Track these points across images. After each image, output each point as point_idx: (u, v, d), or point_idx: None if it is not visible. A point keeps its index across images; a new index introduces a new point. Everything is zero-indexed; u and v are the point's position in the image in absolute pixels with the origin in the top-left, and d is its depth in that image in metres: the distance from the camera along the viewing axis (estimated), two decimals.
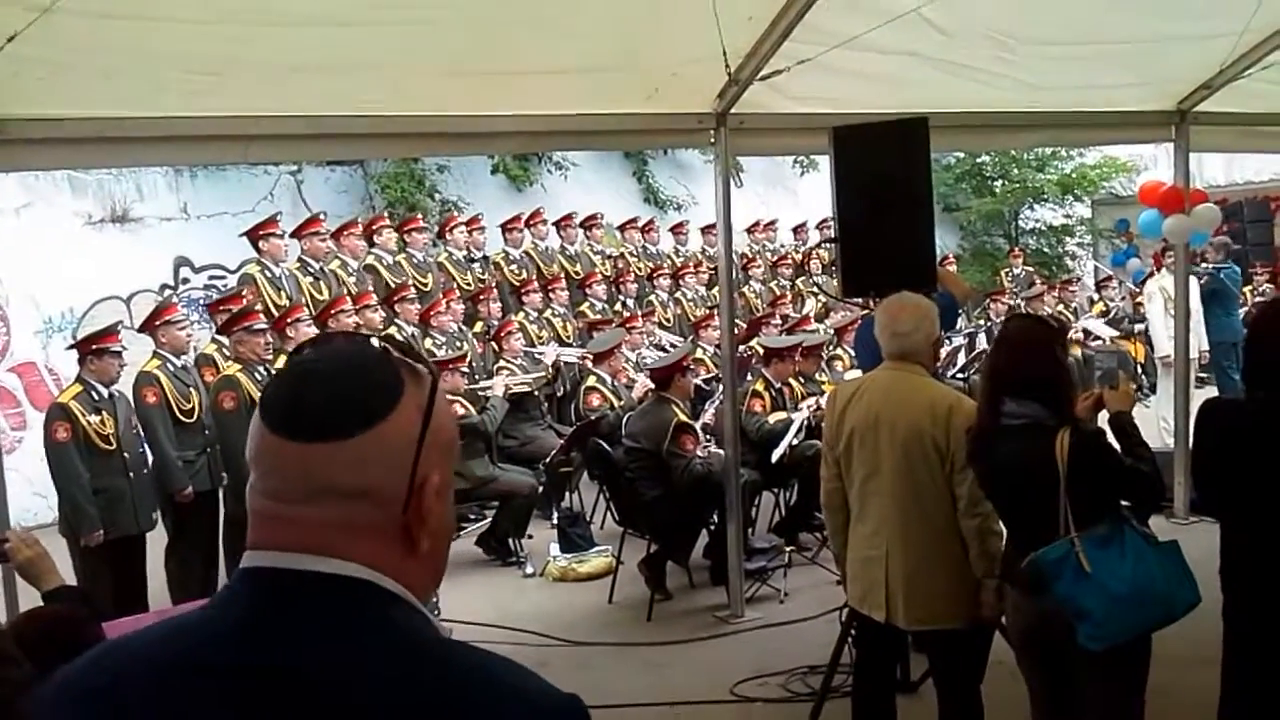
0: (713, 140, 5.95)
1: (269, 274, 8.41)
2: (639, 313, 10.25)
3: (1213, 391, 9.84)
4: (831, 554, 6.51)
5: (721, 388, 6.97)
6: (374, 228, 9.72)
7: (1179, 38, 5.93)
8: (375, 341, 1.14)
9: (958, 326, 10.50)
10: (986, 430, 3.17)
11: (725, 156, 5.98)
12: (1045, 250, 17.09)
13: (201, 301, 9.72)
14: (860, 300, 6.79)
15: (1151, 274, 10.61)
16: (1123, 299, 13.41)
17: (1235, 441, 2.96)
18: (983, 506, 3.48)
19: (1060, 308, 12.45)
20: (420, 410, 1.09)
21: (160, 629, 1.11)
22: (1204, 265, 9.91)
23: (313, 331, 7.77)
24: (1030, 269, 15.06)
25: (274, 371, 5.58)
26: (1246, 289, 12.22)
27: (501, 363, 8.59)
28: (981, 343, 10.76)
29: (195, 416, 6.35)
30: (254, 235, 8.55)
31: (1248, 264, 13.23)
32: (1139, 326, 12.07)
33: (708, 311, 10.37)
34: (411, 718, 1.00)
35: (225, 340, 7.04)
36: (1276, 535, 2.83)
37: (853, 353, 8.11)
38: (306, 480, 1.05)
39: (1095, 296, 13.99)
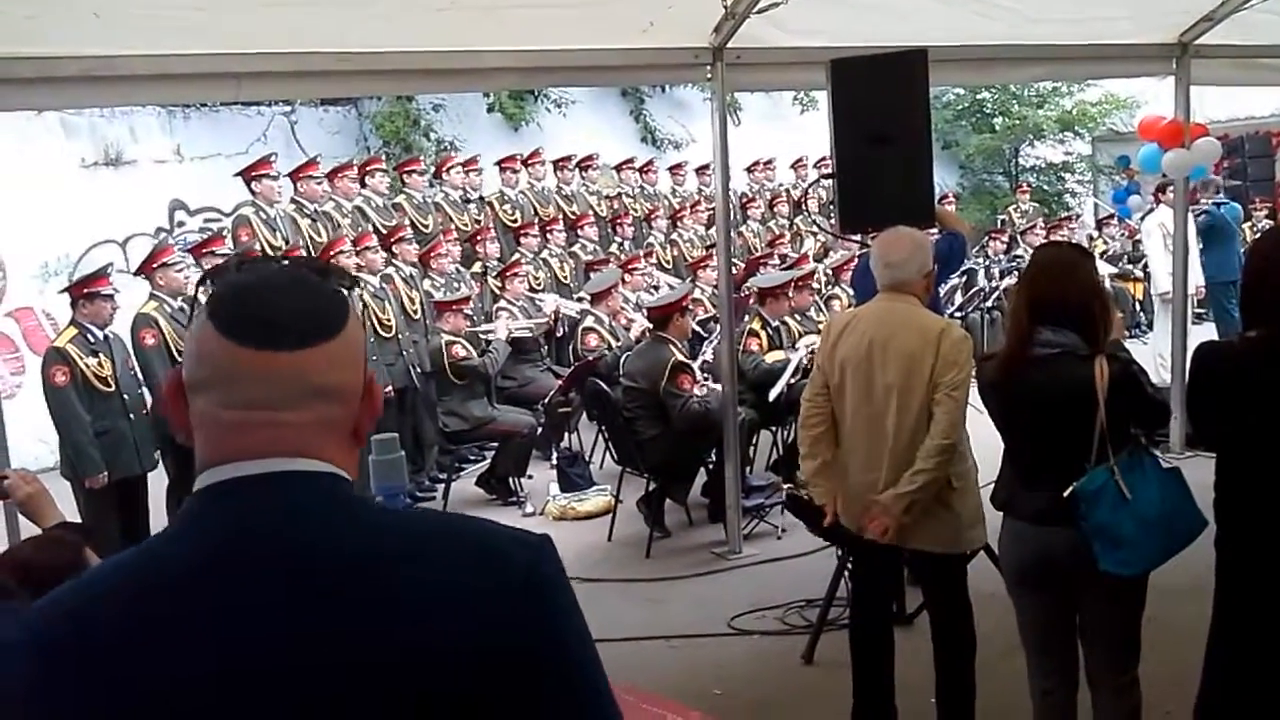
0: (709, 76, 5.88)
1: (263, 215, 8.37)
2: (635, 253, 10.21)
3: (1210, 328, 9.85)
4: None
5: (719, 327, 6.98)
6: (368, 169, 9.66)
7: None
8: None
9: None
10: (1017, 358, 3.12)
11: (722, 92, 5.92)
12: (1045, 188, 16.97)
13: (190, 244, 9.68)
14: (859, 238, 6.77)
15: (1151, 210, 10.57)
16: (1124, 236, 13.37)
17: (1230, 382, 2.96)
18: (956, 432, 3.53)
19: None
20: (357, 317, 1.20)
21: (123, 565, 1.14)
22: (1201, 202, 9.84)
23: None
24: (1036, 204, 14.99)
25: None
26: (1246, 225, 12.16)
27: (502, 304, 8.57)
28: (981, 280, 10.74)
29: None
30: (247, 176, 8.50)
31: (1248, 200, 13.16)
32: (1136, 267, 12.05)
33: (705, 252, 10.34)
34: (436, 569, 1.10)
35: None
36: (1270, 469, 2.85)
37: (851, 291, 8.09)
38: (299, 384, 1.13)
39: (1095, 234, 13.93)
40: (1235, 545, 3.02)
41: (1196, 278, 8.88)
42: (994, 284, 10.80)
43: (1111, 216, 13.93)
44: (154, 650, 1.04)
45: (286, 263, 1.26)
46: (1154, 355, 8.87)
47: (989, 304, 10.46)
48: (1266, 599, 2.93)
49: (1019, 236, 12.49)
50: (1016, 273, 11.29)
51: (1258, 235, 12.93)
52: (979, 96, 16.57)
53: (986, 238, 12.49)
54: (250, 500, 1.11)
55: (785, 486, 6.54)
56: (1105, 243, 13.39)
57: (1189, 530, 3.10)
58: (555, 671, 1.11)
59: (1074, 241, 8.38)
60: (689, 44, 5.78)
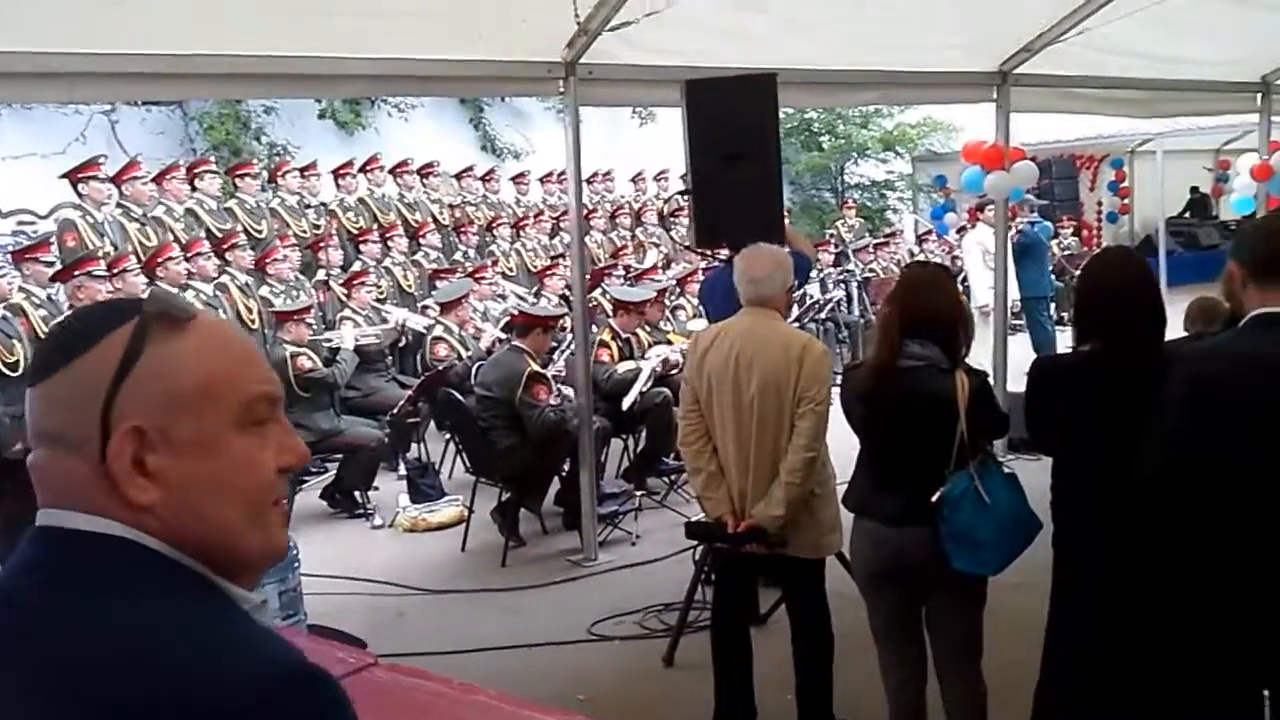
0: (562, 90, 5.95)
1: (90, 219, 7.96)
2: (483, 263, 10.17)
3: (1025, 339, 10.52)
4: (680, 497, 6.88)
5: (571, 337, 7.04)
6: (196, 171, 9.31)
7: (1003, 2, 6.27)
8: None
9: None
10: (886, 369, 3.31)
11: (575, 107, 5.99)
12: (869, 204, 17.78)
13: (8, 248, 9.11)
14: (703, 251, 6.95)
15: (965, 227, 11.23)
16: (943, 252, 14.12)
17: (1066, 392, 3.22)
18: (819, 444, 3.70)
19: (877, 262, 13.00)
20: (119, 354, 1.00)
21: None
22: (1016, 221, 10.53)
23: (141, 281, 7.44)
24: (862, 219, 15.69)
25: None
26: (1053, 242, 13.06)
27: (347, 313, 8.40)
28: (815, 292, 11.15)
29: (21, 370, 6.01)
30: (74, 178, 8.08)
31: (1055, 219, 14.14)
32: (955, 282, 12.73)
33: (550, 261, 10.39)
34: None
35: (35, 289, 6.69)
36: (1102, 474, 3.11)
37: (695, 302, 8.30)
38: (33, 425, 1.03)
39: (915, 250, 14.67)
40: (1070, 543, 3.29)
41: (1012, 292, 9.47)
42: (827, 296, 11.26)
43: (930, 232, 14.70)
44: None
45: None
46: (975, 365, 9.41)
47: (823, 316, 10.88)
48: (1099, 593, 3.20)
49: (849, 252, 13.02)
50: (844, 286, 11.82)
51: (1066, 252, 13.99)
52: (806, 116, 17.22)
53: (816, 251, 13.00)
54: (20, 554, 1.01)
55: (639, 494, 6.69)
56: (926, 257, 14.12)
57: (1031, 531, 3.36)
58: None
59: (938, 262, 8.88)
60: (542, 58, 5.82)
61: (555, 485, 6.85)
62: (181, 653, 0.92)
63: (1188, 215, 18.88)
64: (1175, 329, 3.59)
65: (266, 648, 0.96)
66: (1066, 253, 14.00)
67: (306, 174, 10.35)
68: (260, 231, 9.28)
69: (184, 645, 0.93)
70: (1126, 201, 17.40)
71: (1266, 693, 2.82)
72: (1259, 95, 8.60)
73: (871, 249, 13.05)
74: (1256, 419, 2.72)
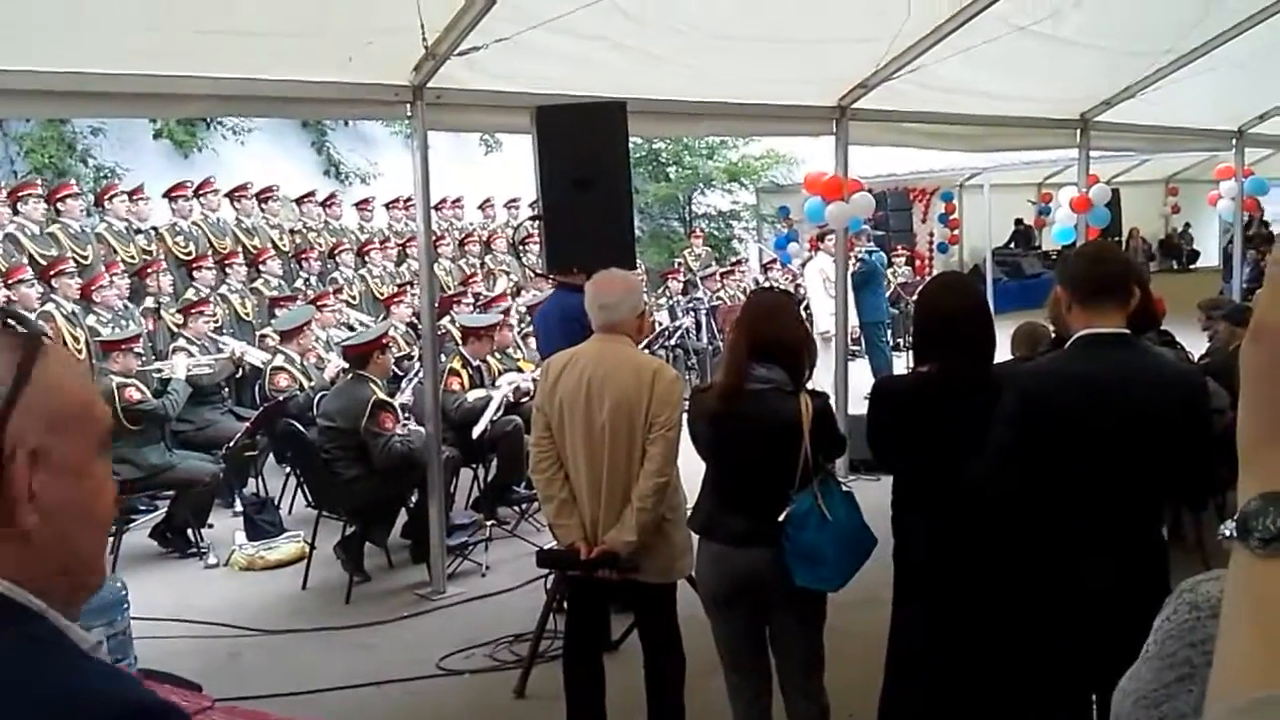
0: (409, 115, 5.86)
1: None
2: (325, 290, 9.91)
3: (864, 363, 10.87)
4: (532, 525, 6.81)
5: (419, 365, 6.90)
6: (19, 195, 8.79)
7: (842, 40, 6.50)
8: None
9: None
10: (734, 391, 3.35)
11: (423, 131, 5.91)
12: (716, 234, 18.14)
13: None
14: (554, 277, 6.95)
15: (810, 257, 11.56)
16: (787, 280, 14.50)
17: (906, 411, 3.34)
18: (670, 469, 3.72)
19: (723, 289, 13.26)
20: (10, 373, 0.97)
21: None
22: (855, 250, 10.89)
23: None
24: (709, 249, 15.99)
25: None
26: (889, 271, 13.58)
27: (180, 342, 8.03)
28: (665, 319, 11.28)
29: None
30: None
31: (890, 249, 14.72)
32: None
33: (397, 289, 10.21)
34: None
35: None
36: (941, 490, 3.22)
37: None
38: None
39: (760, 278, 15.03)
40: (911, 556, 3.40)
41: (852, 318, 9.78)
42: (675, 323, 11.40)
43: (774, 261, 15.10)
44: None
45: None
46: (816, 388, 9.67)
47: (672, 342, 11.01)
48: (940, 606, 3.31)
49: (698, 280, 13.24)
50: (693, 313, 12.00)
51: (901, 280, 14.56)
52: (654, 146, 17.49)
53: (664, 278, 13.20)
54: None
55: (489, 524, 6.59)
56: (770, 285, 14.48)
57: (868, 547, 3.46)
58: None
59: (782, 288, 9.04)
60: (389, 81, 5.73)
61: (402, 517, 6.69)
62: (35, 694, 0.88)
63: (1013, 245, 19.97)
64: (1003, 352, 3.77)
65: (115, 685, 0.93)
66: (901, 281, 14.60)
67: (135, 197, 9.90)
68: (86, 257, 8.82)
69: (36, 688, 0.89)
70: (956, 232, 18.28)
71: (1094, 697, 2.96)
72: (1077, 131, 9.15)
73: (719, 277, 13.31)
74: (1082, 434, 2.88)
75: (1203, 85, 8.38)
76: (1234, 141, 11.10)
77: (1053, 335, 4.68)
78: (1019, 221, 20.02)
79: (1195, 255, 23.24)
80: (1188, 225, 23.48)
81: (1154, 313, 4.58)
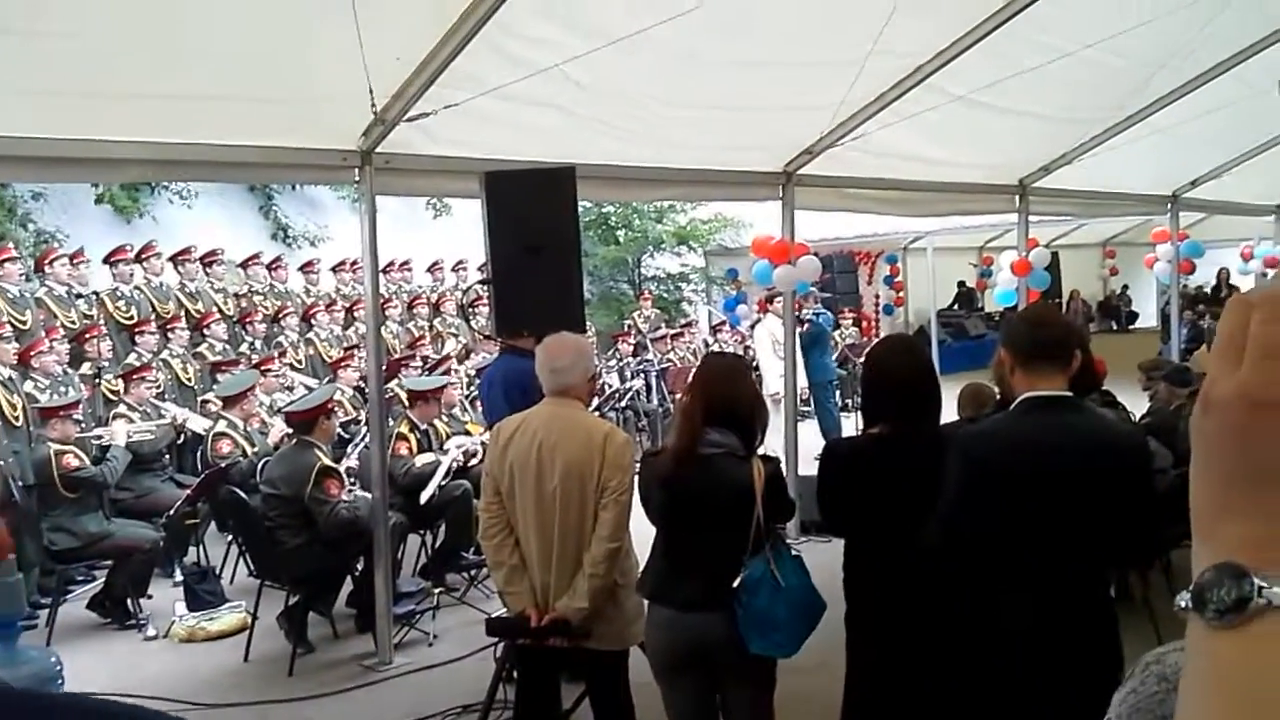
0: (357, 179, 5.85)
1: None
2: (270, 354, 9.79)
3: (813, 423, 10.93)
4: (481, 592, 6.69)
5: (365, 430, 6.81)
6: None
7: (789, 107, 6.62)
8: None
9: None
10: (687, 455, 3.34)
11: (371, 196, 5.89)
12: (665, 295, 18.24)
13: None
14: (502, 340, 6.93)
15: (759, 319, 11.66)
16: (736, 341, 14.59)
17: (856, 473, 3.35)
18: (623, 534, 3.69)
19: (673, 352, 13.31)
20: None
21: None
22: (803, 312, 11.01)
23: None
24: (659, 310, 16.07)
25: None
26: (836, 332, 13.73)
27: (120, 409, 7.87)
28: (615, 381, 11.27)
29: None
30: None
31: (837, 310, 14.89)
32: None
33: (345, 352, 10.11)
34: None
35: None
36: (893, 551, 3.23)
37: None
38: None
39: (710, 340, 15.11)
40: (862, 620, 3.38)
41: (801, 379, 9.85)
42: (626, 385, 11.39)
43: (724, 323, 15.19)
44: None
45: None
46: (765, 450, 9.68)
47: (622, 404, 10.99)
48: (892, 667, 3.29)
49: (647, 342, 13.27)
50: (643, 375, 12.01)
51: (848, 341, 14.72)
52: (604, 210, 17.61)
53: (614, 340, 13.23)
54: None
55: (437, 591, 6.47)
56: (720, 347, 14.54)
57: (819, 612, 3.44)
58: None
59: (735, 352, 9.06)
60: (337, 145, 5.72)
61: (348, 586, 6.55)
62: None
63: (956, 307, 20.30)
64: (949, 413, 3.81)
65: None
66: (849, 342, 14.75)
67: (76, 261, 9.76)
68: (25, 322, 8.65)
69: None
70: (901, 294, 18.55)
71: None
72: (1017, 196, 9.37)
73: (668, 339, 13.36)
74: (1025, 495, 2.90)
75: (1137, 151, 8.64)
76: (1169, 206, 11.42)
77: (998, 396, 4.74)
78: (961, 284, 20.39)
79: (1134, 316, 23.80)
80: (1125, 287, 24.06)
81: (1095, 374, 4.67)
